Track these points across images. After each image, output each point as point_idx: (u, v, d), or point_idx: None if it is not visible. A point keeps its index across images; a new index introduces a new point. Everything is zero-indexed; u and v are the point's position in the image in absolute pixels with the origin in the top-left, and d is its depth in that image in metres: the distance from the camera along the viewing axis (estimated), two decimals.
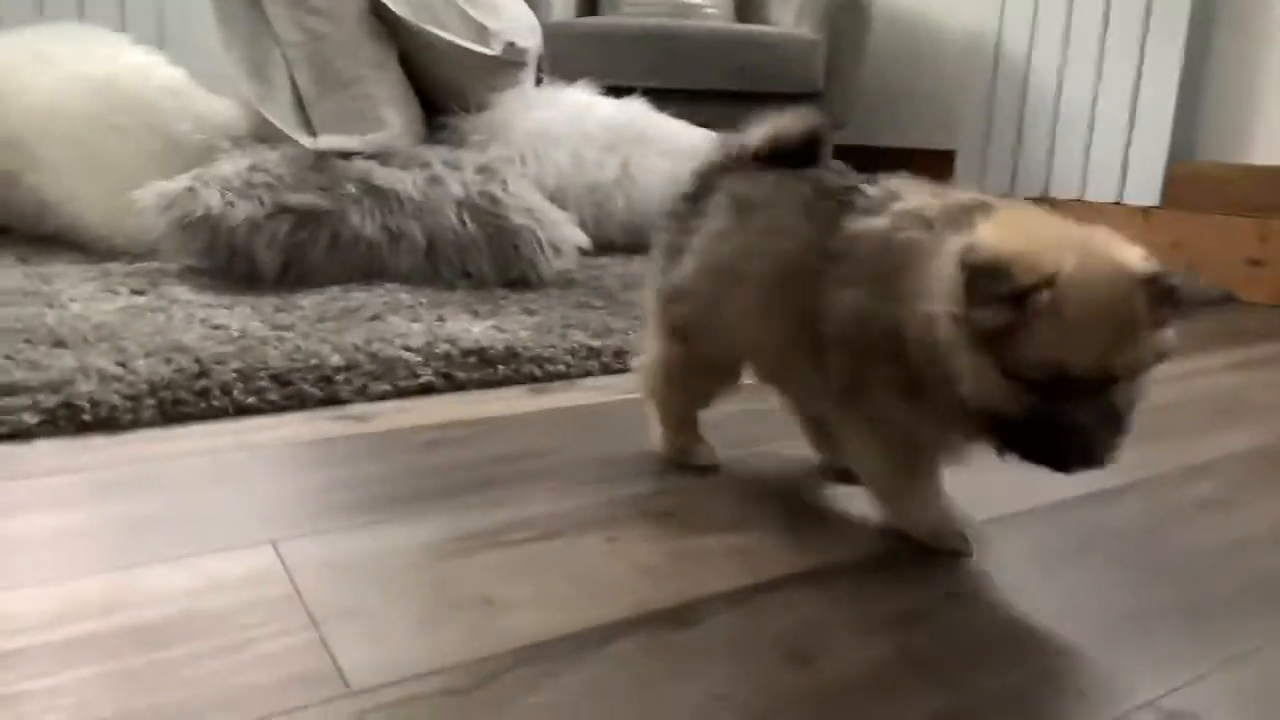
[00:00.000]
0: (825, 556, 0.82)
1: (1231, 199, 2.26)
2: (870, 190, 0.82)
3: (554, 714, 0.59)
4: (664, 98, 2.49)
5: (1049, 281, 0.64)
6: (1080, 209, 2.54)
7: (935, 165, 2.98)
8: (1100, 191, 2.51)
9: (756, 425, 1.12)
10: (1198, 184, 2.33)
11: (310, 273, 1.68)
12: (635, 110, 2.30)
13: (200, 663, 0.62)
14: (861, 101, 2.93)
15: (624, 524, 0.86)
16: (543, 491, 0.93)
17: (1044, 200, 2.64)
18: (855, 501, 0.91)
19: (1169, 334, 0.67)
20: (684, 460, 0.99)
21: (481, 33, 1.96)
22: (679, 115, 2.40)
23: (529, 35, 2.09)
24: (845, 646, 0.68)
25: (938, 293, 0.70)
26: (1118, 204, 2.46)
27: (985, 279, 0.65)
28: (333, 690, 0.59)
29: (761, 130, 0.92)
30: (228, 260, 1.66)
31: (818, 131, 0.91)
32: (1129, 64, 2.45)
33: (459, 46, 1.93)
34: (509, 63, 2.01)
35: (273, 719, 0.56)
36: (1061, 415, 0.66)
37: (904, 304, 0.74)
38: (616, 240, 2.27)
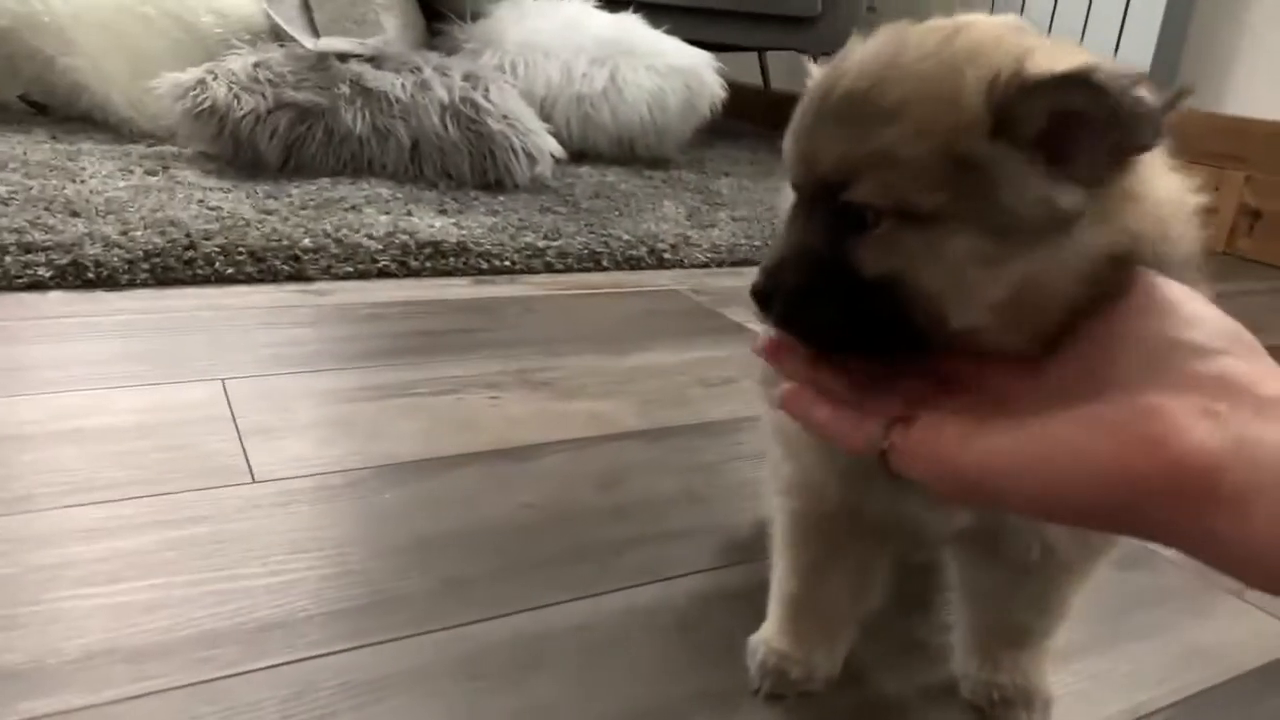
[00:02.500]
0: (667, 421, 1.01)
1: (1193, 148, 2.34)
2: None
3: (396, 508, 0.80)
4: (662, 13, 2.59)
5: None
6: None
7: None
8: None
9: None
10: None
11: (306, 164, 1.87)
12: (627, 24, 2.41)
13: (149, 454, 0.83)
14: (859, 26, 2.99)
15: (509, 388, 1.06)
16: (452, 360, 1.12)
17: None
18: (719, 397, 1.11)
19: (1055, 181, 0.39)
20: None
21: None
22: (674, 32, 2.51)
23: None
24: (644, 482, 0.88)
25: None
26: None
27: None
28: (241, 479, 0.81)
29: None
30: (234, 149, 1.84)
31: None
32: (1117, 4, 2.49)
33: None
34: None
35: (189, 492, 0.78)
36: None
37: None
38: (602, 150, 2.42)
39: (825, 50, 2.87)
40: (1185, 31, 2.46)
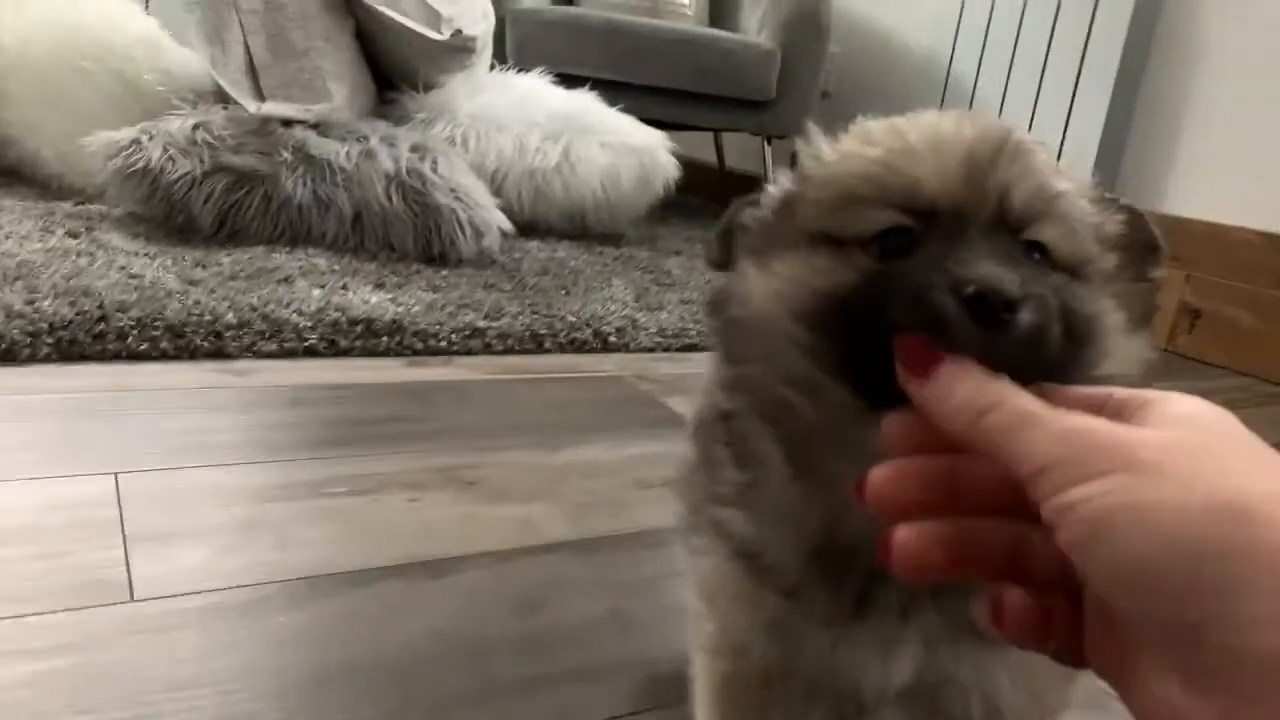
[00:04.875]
0: (599, 529, 0.95)
1: None
2: None
3: (294, 633, 0.72)
4: (619, 91, 2.59)
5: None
6: None
7: None
8: None
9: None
10: None
11: (242, 231, 1.80)
12: (583, 101, 2.41)
13: (17, 564, 0.75)
14: (816, 112, 3.03)
15: (431, 488, 0.99)
16: (375, 454, 1.05)
17: None
18: (656, 501, 1.05)
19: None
20: None
21: (433, 17, 2.06)
22: (630, 110, 2.51)
23: (480, 21, 2.20)
24: (568, 604, 0.81)
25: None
26: None
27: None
28: (117, 597, 0.73)
29: None
30: (166, 212, 1.77)
31: None
32: (1062, 101, 2.56)
33: (408, 28, 2.04)
34: (457, 48, 2.12)
35: (56, 614, 0.69)
36: (927, 256, 0.38)
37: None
38: (554, 224, 2.39)
39: (779, 134, 2.90)
40: (1127, 134, 2.53)
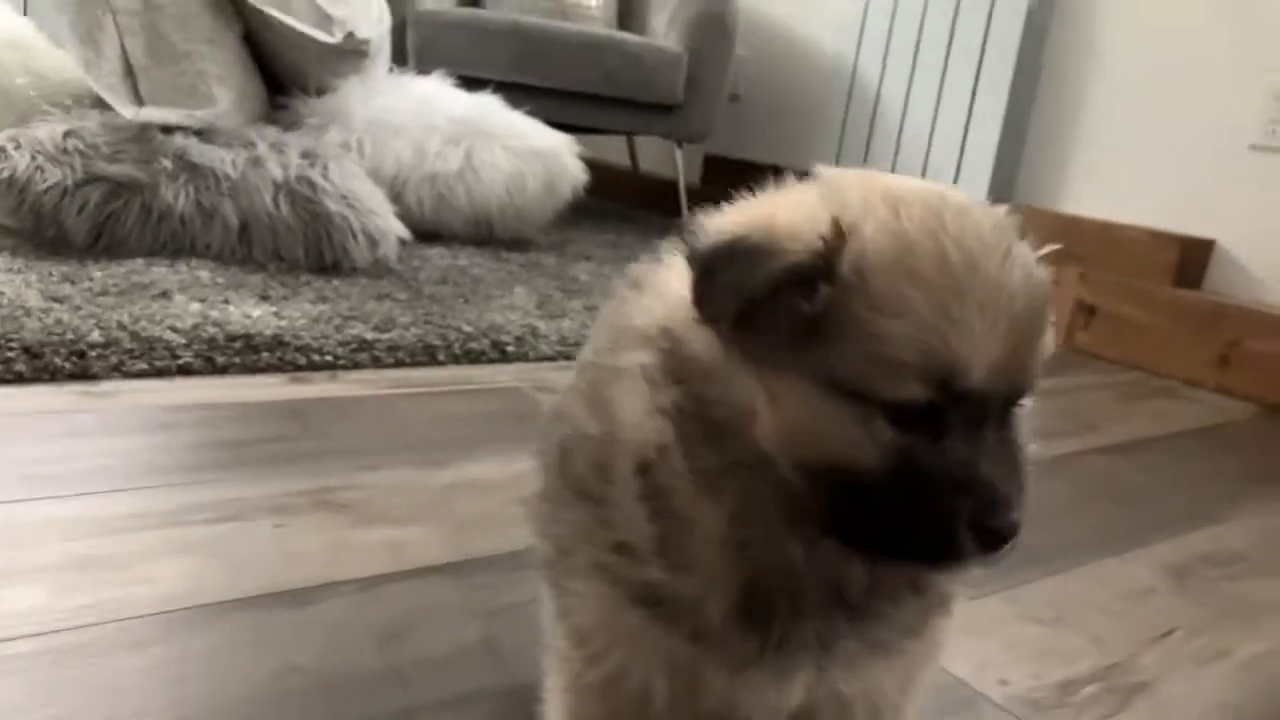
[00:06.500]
0: (477, 550, 0.92)
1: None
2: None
3: (135, 676, 0.67)
4: (525, 94, 2.56)
5: (839, 236, 0.41)
6: None
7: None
8: None
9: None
10: None
11: (120, 243, 1.72)
12: (486, 104, 2.37)
13: None
14: (726, 115, 3.04)
15: (300, 512, 0.95)
16: (244, 478, 1.00)
17: None
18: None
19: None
20: None
21: (324, 19, 2.00)
22: (536, 114, 2.48)
23: (375, 24, 2.14)
24: (435, 632, 0.78)
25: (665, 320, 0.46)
26: None
27: (733, 257, 0.42)
28: None
29: None
30: (35, 224, 1.68)
31: None
32: (962, 105, 2.61)
33: (297, 31, 1.97)
34: (349, 51, 2.06)
35: None
36: (952, 458, 0.40)
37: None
38: (457, 231, 2.34)
39: (689, 138, 2.90)
40: (1024, 136, 2.59)
